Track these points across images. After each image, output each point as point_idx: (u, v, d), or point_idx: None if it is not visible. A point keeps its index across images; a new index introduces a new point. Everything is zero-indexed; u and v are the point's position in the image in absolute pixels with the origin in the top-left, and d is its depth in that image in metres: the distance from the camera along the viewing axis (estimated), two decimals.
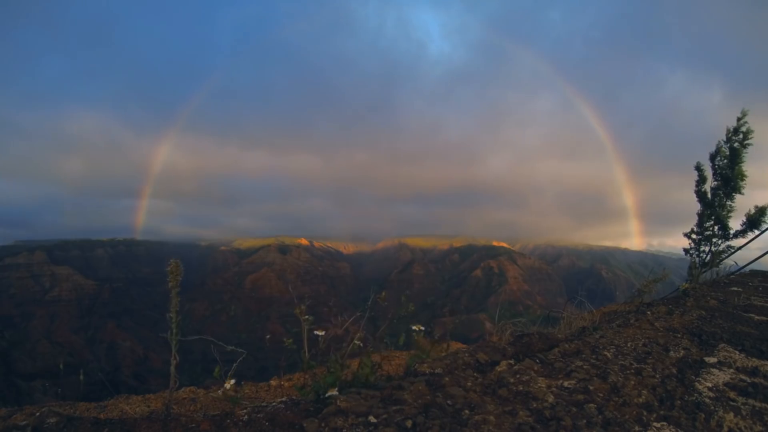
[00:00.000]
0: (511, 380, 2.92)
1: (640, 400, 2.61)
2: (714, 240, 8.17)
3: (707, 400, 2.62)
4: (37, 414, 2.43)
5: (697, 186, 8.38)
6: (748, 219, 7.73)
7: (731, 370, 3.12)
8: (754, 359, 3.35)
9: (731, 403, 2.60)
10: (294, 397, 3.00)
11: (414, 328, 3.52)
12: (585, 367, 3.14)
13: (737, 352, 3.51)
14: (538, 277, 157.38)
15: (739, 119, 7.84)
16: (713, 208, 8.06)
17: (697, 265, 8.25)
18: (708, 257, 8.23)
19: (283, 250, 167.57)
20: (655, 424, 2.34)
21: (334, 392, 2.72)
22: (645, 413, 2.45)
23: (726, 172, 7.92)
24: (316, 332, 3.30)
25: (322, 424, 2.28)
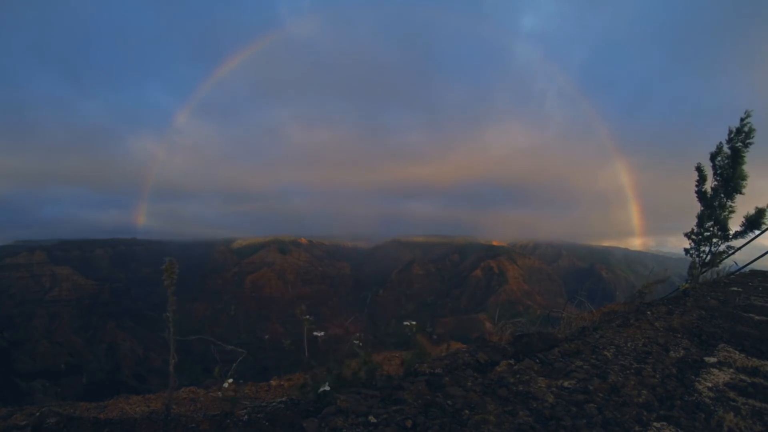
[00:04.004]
0: (511, 380, 2.92)
1: (640, 400, 2.61)
2: (714, 240, 8.16)
3: (707, 400, 2.62)
4: (37, 414, 2.44)
5: (697, 186, 8.37)
6: (747, 220, 7.72)
7: (731, 370, 3.12)
8: (754, 359, 3.35)
9: (731, 403, 2.60)
10: (294, 397, 3.01)
11: (406, 323, 3.51)
12: (585, 367, 3.14)
13: (737, 352, 3.51)
14: (538, 277, 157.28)
15: (742, 120, 7.83)
16: (713, 209, 8.05)
17: (697, 265, 8.24)
18: (708, 257, 8.22)
19: (283, 250, 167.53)
20: (655, 424, 2.34)
21: (326, 388, 2.73)
22: (645, 413, 2.45)
23: (727, 172, 7.91)
24: (315, 333, 3.31)
25: (322, 424, 2.28)
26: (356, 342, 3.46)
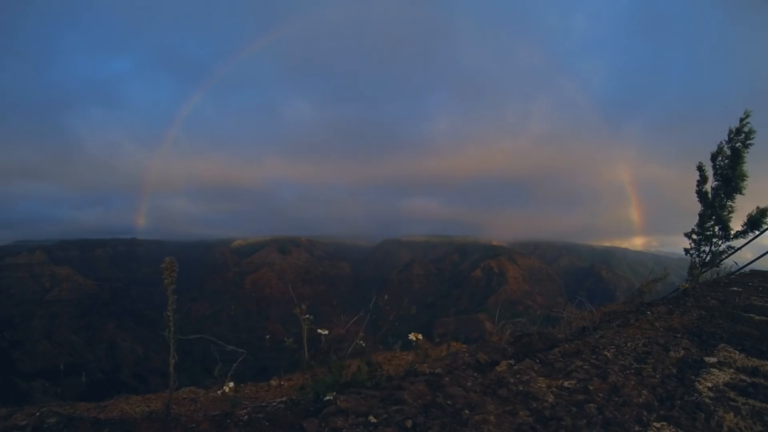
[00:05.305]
0: (511, 380, 2.92)
1: (640, 400, 2.61)
2: (714, 240, 8.17)
3: (707, 400, 2.62)
4: (37, 414, 2.44)
5: (698, 186, 8.39)
6: (749, 219, 7.73)
7: (731, 370, 3.12)
8: (754, 359, 3.35)
9: (731, 403, 2.60)
10: (294, 397, 3.00)
11: (411, 337, 3.48)
12: (585, 367, 3.14)
13: (737, 352, 3.51)
14: (538, 277, 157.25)
15: (741, 120, 7.85)
16: (714, 209, 8.06)
17: (698, 265, 8.24)
18: (708, 257, 8.22)
19: (283, 250, 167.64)
20: (655, 424, 2.34)
21: (331, 397, 2.72)
22: (645, 413, 2.45)
23: (727, 172, 7.92)
24: (319, 331, 3.30)
25: (322, 424, 2.28)
26: (360, 342, 3.45)
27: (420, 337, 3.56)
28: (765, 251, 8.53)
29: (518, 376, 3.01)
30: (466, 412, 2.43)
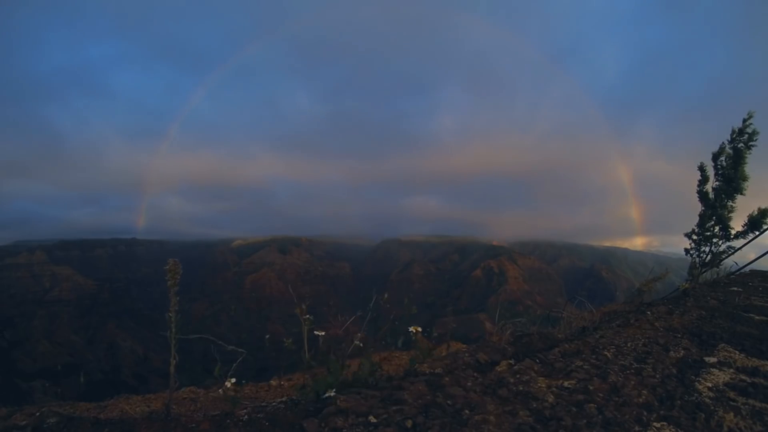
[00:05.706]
0: (511, 380, 2.93)
1: (640, 400, 2.61)
2: (715, 240, 8.17)
3: (707, 400, 2.62)
4: (37, 414, 2.44)
5: (699, 186, 8.38)
6: (749, 220, 7.72)
7: (731, 370, 3.12)
8: (754, 359, 3.35)
9: (731, 403, 2.60)
10: (294, 397, 3.00)
11: (411, 329, 3.52)
12: (585, 367, 3.14)
13: (737, 352, 3.51)
14: (538, 277, 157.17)
15: (744, 120, 7.85)
16: (715, 209, 8.05)
17: (698, 265, 8.24)
18: (708, 257, 8.22)
19: (283, 249, 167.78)
20: (655, 424, 2.34)
21: (331, 393, 2.72)
22: (645, 413, 2.45)
23: (729, 172, 7.91)
24: (316, 332, 3.31)
25: (322, 424, 2.28)
26: (358, 342, 3.45)
27: (419, 329, 3.57)
28: (765, 251, 8.53)
29: (518, 376, 3.01)
30: (466, 412, 2.43)
